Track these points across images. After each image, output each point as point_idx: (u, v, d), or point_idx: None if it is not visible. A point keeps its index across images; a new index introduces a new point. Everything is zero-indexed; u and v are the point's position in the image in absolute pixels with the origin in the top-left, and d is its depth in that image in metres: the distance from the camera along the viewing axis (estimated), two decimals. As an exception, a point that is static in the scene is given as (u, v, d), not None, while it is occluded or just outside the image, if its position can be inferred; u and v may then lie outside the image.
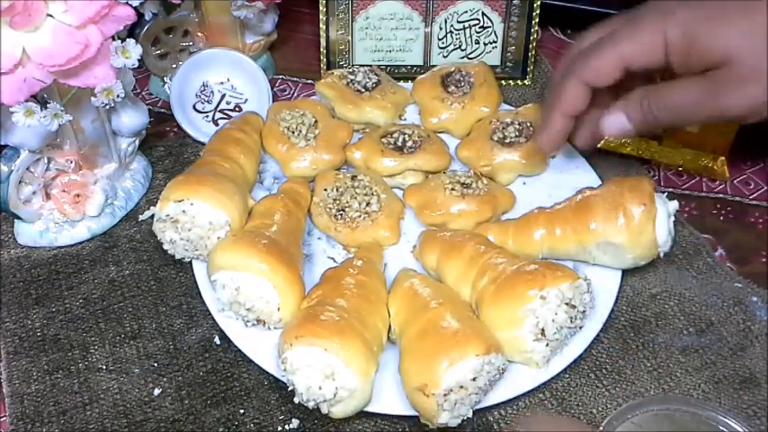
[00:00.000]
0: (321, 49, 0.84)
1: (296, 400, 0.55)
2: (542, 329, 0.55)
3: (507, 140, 0.73)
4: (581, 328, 0.58)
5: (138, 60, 0.61)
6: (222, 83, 0.81)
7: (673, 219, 0.62)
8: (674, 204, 0.63)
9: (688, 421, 0.51)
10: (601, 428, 0.52)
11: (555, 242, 0.63)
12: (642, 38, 0.55)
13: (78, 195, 0.68)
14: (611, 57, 0.56)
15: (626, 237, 0.60)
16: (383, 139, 0.73)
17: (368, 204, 0.67)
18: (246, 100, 0.81)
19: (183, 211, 0.62)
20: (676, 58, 0.55)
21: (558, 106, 0.62)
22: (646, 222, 0.60)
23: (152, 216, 0.66)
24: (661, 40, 0.55)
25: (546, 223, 0.64)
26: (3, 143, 0.63)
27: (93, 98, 0.61)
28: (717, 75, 0.55)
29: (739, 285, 0.64)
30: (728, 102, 0.56)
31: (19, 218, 0.68)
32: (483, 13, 0.82)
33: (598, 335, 0.60)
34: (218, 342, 0.62)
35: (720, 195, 0.73)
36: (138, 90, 0.85)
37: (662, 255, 0.62)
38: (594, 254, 0.62)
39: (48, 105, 0.59)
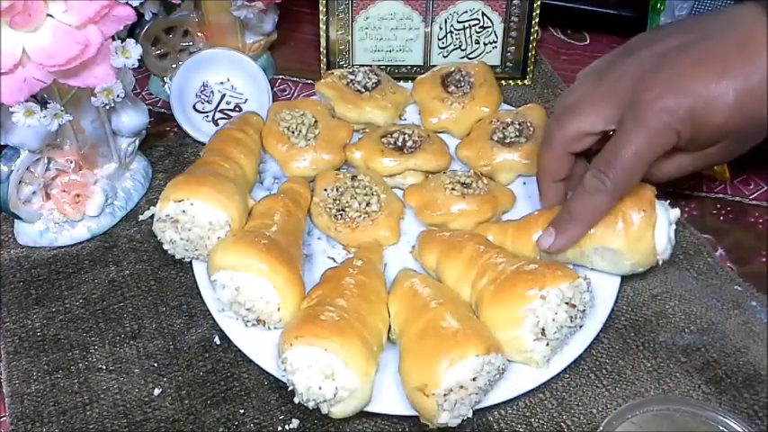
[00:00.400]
0: (321, 49, 0.84)
1: (296, 400, 0.55)
2: (542, 329, 0.55)
3: (507, 140, 0.73)
4: (581, 327, 0.58)
5: (138, 60, 0.61)
6: (222, 83, 0.81)
7: (674, 227, 0.61)
8: (676, 212, 0.62)
9: (688, 421, 0.51)
10: (601, 428, 0.52)
11: (554, 244, 0.63)
12: (660, 140, 0.57)
13: (78, 195, 0.68)
14: (633, 160, 0.57)
15: (624, 242, 0.60)
16: (383, 139, 0.73)
17: (368, 204, 0.67)
18: (246, 100, 0.81)
19: (183, 211, 0.62)
20: (684, 145, 0.58)
21: (587, 222, 0.61)
22: (645, 229, 0.60)
23: (152, 216, 0.66)
24: (675, 137, 0.57)
25: (545, 225, 0.63)
26: (3, 143, 0.63)
27: (93, 98, 0.61)
28: (715, 149, 0.59)
29: (739, 288, 0.64)
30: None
31: (19, 218, 0.68)
32: (483, 13, 0.82)
33: (598, 335, 0.60)
34: (218, 342, 0.62)
35: (720, 195, 0.73)
36: (138, 90, 0.85)
37: (660, 263, 0.62)
38: (593, 259, 0.62)
39: (48, 105, 0.59)
